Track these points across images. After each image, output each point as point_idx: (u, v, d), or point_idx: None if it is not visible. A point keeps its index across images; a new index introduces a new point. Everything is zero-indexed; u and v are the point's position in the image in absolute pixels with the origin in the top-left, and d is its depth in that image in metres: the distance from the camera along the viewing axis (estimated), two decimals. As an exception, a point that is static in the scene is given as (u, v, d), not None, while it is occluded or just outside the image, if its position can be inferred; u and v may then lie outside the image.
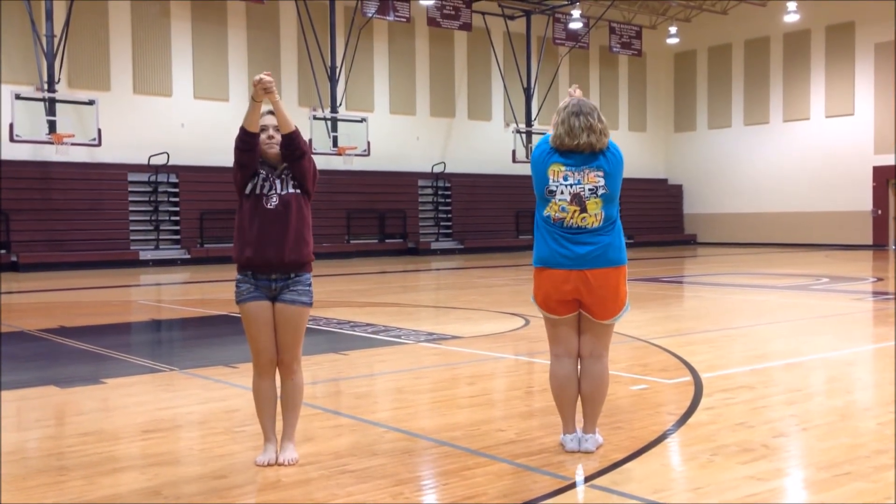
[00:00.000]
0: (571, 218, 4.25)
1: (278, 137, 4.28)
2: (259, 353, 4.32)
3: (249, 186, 4.29)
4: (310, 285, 4.35)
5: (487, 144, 29.12)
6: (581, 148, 4.26)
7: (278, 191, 4.25)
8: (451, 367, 7.03)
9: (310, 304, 4.35)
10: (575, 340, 4.43)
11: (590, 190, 4.24)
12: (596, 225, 4.26)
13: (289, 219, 4.25)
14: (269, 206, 4.23)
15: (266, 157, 4.31)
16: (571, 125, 4.27)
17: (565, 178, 4.26)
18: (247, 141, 4.22)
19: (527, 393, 6.07)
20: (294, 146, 4.25)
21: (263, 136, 4.28)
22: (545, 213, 4.31)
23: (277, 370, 4.38)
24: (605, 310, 4.32)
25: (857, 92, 28.72)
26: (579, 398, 4.45)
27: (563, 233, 4.27)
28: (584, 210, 4.24)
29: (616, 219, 4.37)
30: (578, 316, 4.40)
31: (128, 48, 22.62)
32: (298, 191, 4.30)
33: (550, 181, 4.27)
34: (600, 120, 4.31)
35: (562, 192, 4.25)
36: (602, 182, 4.27)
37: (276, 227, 4.22)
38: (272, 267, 4.24)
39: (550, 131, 4.42)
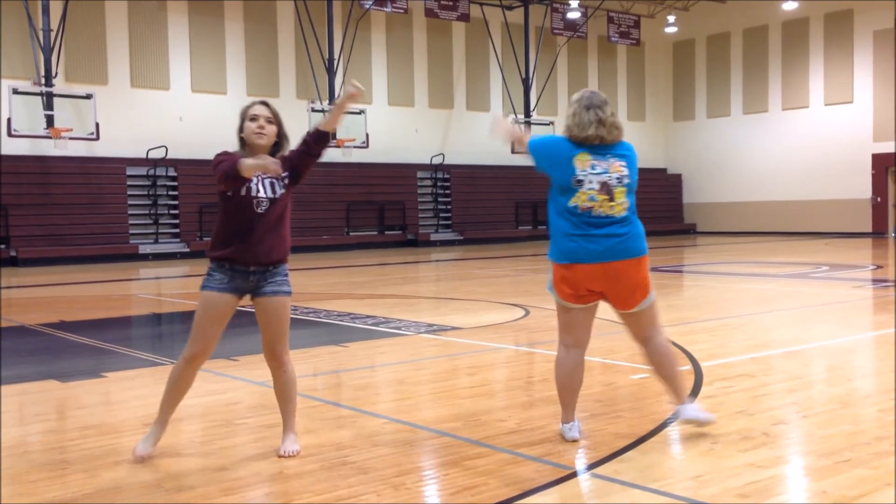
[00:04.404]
0: (600, 207, 4.25)
1: (269, 129, 4.23)
2: (197, 341, 4.23)
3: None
4: (287, 275, 4.33)
5: (486, 135, 29.07)
6: (590, 140, 4.28)
7: (268, 194, 4.20)
8: (452, 358, 7.03)
9: (291, 293, 4.32)
10: (587, 331, 4.43)
11: (616, 179, 4.28)
12: (622, 214, 4.28)
13: (278, 222, 4.24)
14: (259, 211, 4.17)
15: (252, 147, 4.24)
16: (581, 118, 4.29)
17: (593, 168, 4.27)
18: (237, 181, 4.13)
19: (527, 383, 6.07)
20: (325, 146, 4.30)
21: (253, 126, 4.22)
22: (571, 203, 4.26)
23: (267, 364, 4.35)
24: (633, 299, 4.34)
25: (855, 80, 28.68)
26: (659, 380, 4.52)
27: (590, 222, 4.24)
28: (612, 199, 4.26)
29: (635, 210, 4.40)
30: (594, 307, 4.41)
31: (125, 42, 22.58)
32: (285, 190, 4.25)
33: (578, 171, 4.26)
34: (612, 113, 4.33)
35: (590, 182, 4.25)
36: (626, 172, 4.32)
37: (264, 231, 4.18)
38: (255, 262, 4.20)
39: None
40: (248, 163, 4.00)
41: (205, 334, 4.24)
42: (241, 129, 4.28)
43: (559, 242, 4.31)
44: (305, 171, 4.32)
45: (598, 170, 4.26)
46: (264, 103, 4.30)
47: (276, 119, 4.28)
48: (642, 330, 4.43)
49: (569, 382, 4.42)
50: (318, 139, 4.30)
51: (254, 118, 4.24)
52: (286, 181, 4.27)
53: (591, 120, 4.28)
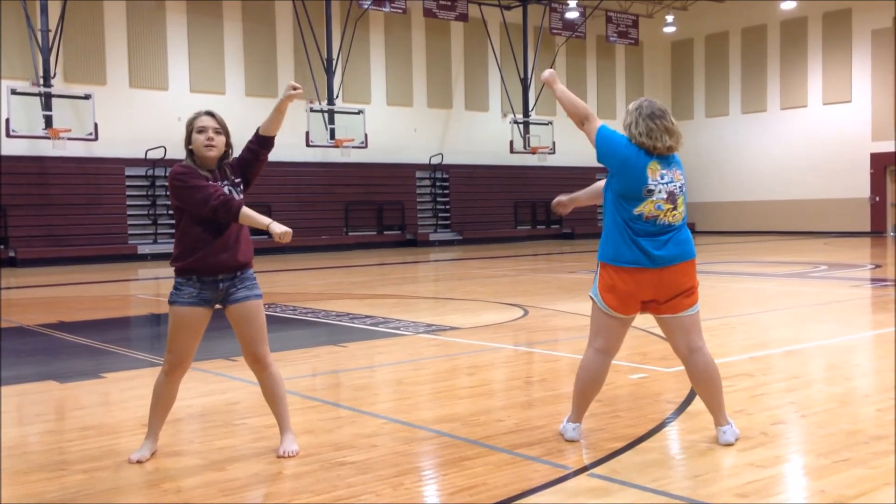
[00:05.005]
0: (665, 216, 4.25)
1: (218, 140, 4.19)
2: (174, 353, 4.25)
3: None
4: (255, 279, 4.31)
5: (485, 135, 29.09)
6: (659, 150, 4.27)
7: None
8: (451, 358, 7.03)
9: (262, 297, 4.31)
10: (620, 339, 4.40)
11: (678, 187, 4.30)
12: (680, 222, 4.31)
13: (240, 227, 4.23)
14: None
15: (201, 159, 4.19)
16: (650, 128, 4.27)
17: (662, 177, 4.27)
18: (227, 219, 4.12)
19: (526, 383, 6.08)
20: (270, 150, 4.31)
21: (202, 138, 4.16)
22: (636, 211, 4.24)
23: (250, 368, 4.35)
24: (685, 302, 4.31)
25: (854, 79, 28.70)
26: (700, 399, 4.43)
27: (653, 231, 4.23)
28: (675, 207, 4.28)
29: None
30: (633, 318, 4.39)
31: (123, 42, 22.57)
32: (241, 196, 4.24)
33: (650, 180, 4.25)
34: (672, 122, 4.33)
35: (659, 191, 4.25)
36: (683, 180, 4.34)
37: (229, 236, 4.17)
38: (221, 269, 4.18)
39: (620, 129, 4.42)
40: (253, 217, 4.05)
41: (180, 348, 4.24)
42: (188, 141, 4.21)
43: (618, 247, 4.27)
44: (254, 177, 4.34)
45: (666, 179, 4.27)
46: (210, 114, 4.25)
47: (223, 129, 4.24)
48: (689, 338, 4.33)
49: (590, 386, 4.41)
50: (263, 144, 4.31)
51: (202, 130, 4.18)
52: (241, 187, 4.27)
53: (661, 129, 4.26)
